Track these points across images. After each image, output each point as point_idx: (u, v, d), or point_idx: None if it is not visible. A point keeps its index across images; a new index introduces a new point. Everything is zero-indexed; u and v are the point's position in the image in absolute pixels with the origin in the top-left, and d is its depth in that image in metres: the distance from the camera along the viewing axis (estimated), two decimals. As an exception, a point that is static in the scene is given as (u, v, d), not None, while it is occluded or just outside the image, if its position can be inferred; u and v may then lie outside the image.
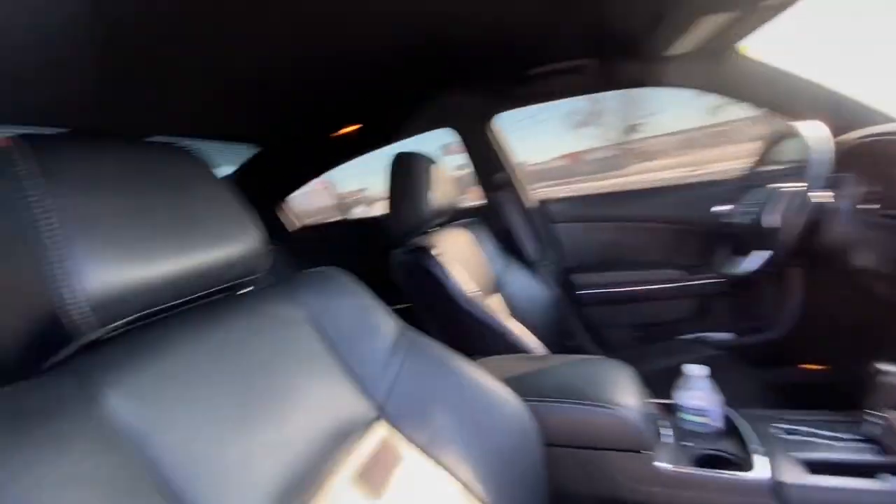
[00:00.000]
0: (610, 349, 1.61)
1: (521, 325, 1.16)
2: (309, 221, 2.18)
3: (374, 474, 0.59)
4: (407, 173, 1.23)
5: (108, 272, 0.43)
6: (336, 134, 1.65)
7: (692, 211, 1.51)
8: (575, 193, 1.76)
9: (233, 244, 0.57)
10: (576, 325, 1.61)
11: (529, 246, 1.65)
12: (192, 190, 0.55)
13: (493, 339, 1.08)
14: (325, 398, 0.60)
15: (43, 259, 0.40)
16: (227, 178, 1.83)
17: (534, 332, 1.36)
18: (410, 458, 0.64)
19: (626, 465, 0.74)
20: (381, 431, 0.65)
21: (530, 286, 1.52)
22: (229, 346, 0.54)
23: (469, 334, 1.10)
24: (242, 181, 1.84)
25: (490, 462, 0.68)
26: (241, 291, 0.66)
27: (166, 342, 0.50)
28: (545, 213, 1.69)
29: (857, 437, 0.71)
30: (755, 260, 1.06)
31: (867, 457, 0.67)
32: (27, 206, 0.40)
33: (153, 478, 0.41)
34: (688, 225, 1.53)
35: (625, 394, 0.78)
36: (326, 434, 0.57)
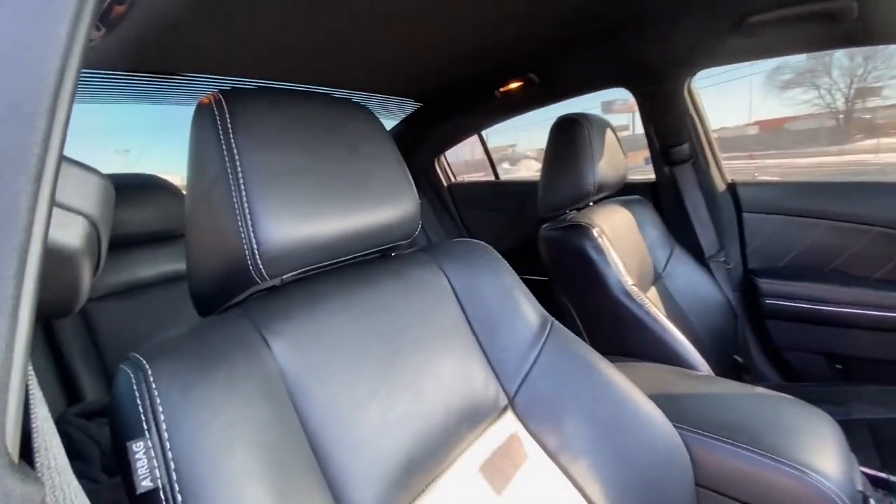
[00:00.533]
0: (792, 377, 1.31)
1: (678, 331, 0.98)
2: (460, 179, 2.20)
3: (499, 468, 0.56)
4: (569, 140, 1.10)
5: (283, 228, 0.44)
6: (502, 89, 1.57)
7: None
8: (779, 179, 1.40)
9: (392, 208, 0.56)
10: (751, 340, 1.33)
11: (706, 236, 1.38)
12: (363, 149, 0.55)
13: (649, 344, 0.94)
14: (461, 375, 0.58)
15: (233, 209, 0.43)
16: (391, 131, 1.92)
17: (692, 340, 1.17)
18: (536, 461, 0.60)
19: None
20: (509, 423, 0.62)
21: (698, 284, 1.29)
22: (377, 307, 0.55)
23: (618, 332, 0.98)
24: (402, 134, 1.91)
25: (628, 488, 0.59)
26: (393, 254, 0.66)
27: (323, 298, 0.52)
28: (734, 199, 1.39)
29: None
30: None
31: None
32: (223, 159, 0.43)
33: (306, 432, 0.43)
34: None
35: (827, 456, 0.60)
36: (458, 414, 0.56)
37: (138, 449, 0.32)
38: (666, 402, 0.68)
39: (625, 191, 1.34)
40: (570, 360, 0.66)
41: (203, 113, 0.45)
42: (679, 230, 1.38)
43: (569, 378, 0.65)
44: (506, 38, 1.18)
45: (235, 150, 0.44)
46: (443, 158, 2.13)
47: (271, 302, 0.49)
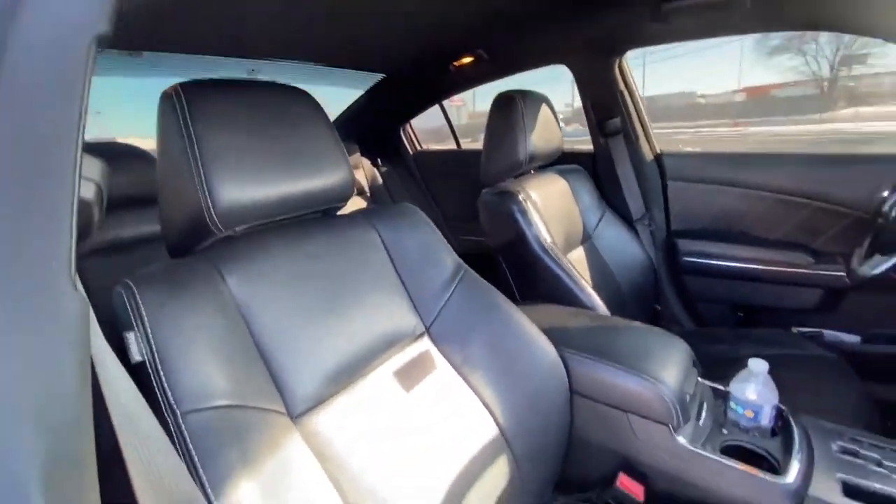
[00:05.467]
0: (703, 323, 1.52)
1: (589, 282, 1.16)
2: (426, 147, 2.31)
3: (410, 374, 0.73)
4: (505, 114, 1.24)
5: (232, 191, 0.58)
6: (456, 63, 1.68)
7: (850, 190, 1.25)
8: (700, 150, 1.56)
9: (326, 176, 0.70)
10: (669, 293, 1.53)
11: (634, 202, 1.55)
12: (301, 128, 0.68)
13: (560, 292, 1.12)
14: (385, 309, 0.74)
15: (193, 176, 0.56)
16: (357, 101, 2.01)
17: (618, 293, 1.35)
18: (443, 371, 0.77)
19: (651, 432, 0.77)
20: (423, 344, 0.78)
21: (624, 244, 1.47)
22: (316, 255, 0.70)
23: (536, 281, 1.16)
24: (366, 104, 2.01)
25: (514, 393, 0.77)
26: (336, 214, 0.81)
27: (271, 246, 0.67)
28: (660, 168, 1.55)
29: None
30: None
31: None
32: (184, 141, 0.56)
33: (254, 341, 0.59)
34: (835, 205, 1.28)
35: (666, 368, 0.79)
36: (379, 336, 0.72)
37: (129, 335, 0.47)
38: (554, 332, 0.86)
39: (567, 160, 1.49)
40: (479, 298, 0.83)
41: (167, 103, 0.58)
42: (611, 196, 1.55)
43: (474, 312, 0.81)
44: (457, 16, 1.28)
45: (193, 134, 0.56)
46: (408, 127, 2.24)
47: (227, 248, 0.64)
